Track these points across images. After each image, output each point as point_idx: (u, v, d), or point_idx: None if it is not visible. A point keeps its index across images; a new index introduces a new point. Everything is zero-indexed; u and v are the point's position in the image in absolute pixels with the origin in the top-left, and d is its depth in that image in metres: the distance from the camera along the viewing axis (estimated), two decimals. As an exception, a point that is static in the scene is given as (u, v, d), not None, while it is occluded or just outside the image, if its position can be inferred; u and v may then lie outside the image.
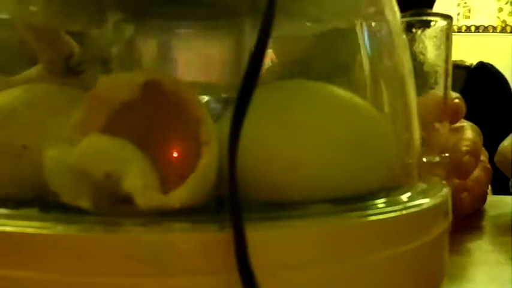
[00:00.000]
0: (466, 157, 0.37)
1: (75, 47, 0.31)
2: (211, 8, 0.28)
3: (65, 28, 0.29)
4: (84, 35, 0.30)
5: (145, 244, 0.16)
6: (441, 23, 0.30)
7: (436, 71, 0.30)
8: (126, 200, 0.19)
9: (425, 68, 0.30)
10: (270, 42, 0.31)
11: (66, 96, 0.23)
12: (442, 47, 0.30)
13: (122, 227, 0.17)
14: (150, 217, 0.18)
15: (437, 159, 0.29)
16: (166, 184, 0.19)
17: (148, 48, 0.29)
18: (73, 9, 0.28)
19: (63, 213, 0.19)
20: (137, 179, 0.18)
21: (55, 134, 0.21)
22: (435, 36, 0.30)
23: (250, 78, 0.19)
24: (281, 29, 0.31)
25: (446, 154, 0.29)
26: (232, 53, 0.28)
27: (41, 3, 0.28)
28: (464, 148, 0.38)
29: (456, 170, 0.36)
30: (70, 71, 0.29)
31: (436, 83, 0.30)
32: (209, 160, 0.19)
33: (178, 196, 0.18)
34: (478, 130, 0.44)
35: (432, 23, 0.30)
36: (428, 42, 0.30)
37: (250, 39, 0.28)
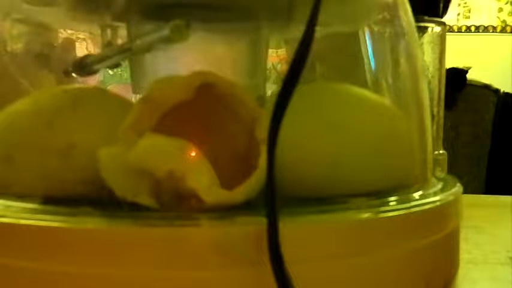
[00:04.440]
0: None
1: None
2: (227, 12, 0.28)
3: (82, 30, 0.30)
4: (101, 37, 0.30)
5: (225, 236, 0.17)
6: (437, 28, 0.32)
7: (432, 74, 0.32)
8: (184, 196, 0.20)
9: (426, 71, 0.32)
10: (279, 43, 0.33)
11: (108, 96, 0.23)
12: (437, 50, 0.32)
13: (196, 221, 0.18)
14: (211, 212, 0.19)
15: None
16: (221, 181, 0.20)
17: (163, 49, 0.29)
18: (91, 12, 0.29)
19: (118, 210, 0.20)
20: (202, 177, 0.19)
21: (102, 133, 0.22)
22: (432, 42, 0.32)
23: (291, 78, 0.19)
24: (288, 33, 0.32)
25: (441, 151, 0.31)
26: (249, 55, 0.29)
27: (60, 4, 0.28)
28: None
29: None
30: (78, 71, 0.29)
31: (432, 84, 0.32)
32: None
33: (243, 192, 0.19)
34: None
35: (429, 29, 0.32)
36: (426, 47, 0.32)
37: (266, 42, 0.29)
